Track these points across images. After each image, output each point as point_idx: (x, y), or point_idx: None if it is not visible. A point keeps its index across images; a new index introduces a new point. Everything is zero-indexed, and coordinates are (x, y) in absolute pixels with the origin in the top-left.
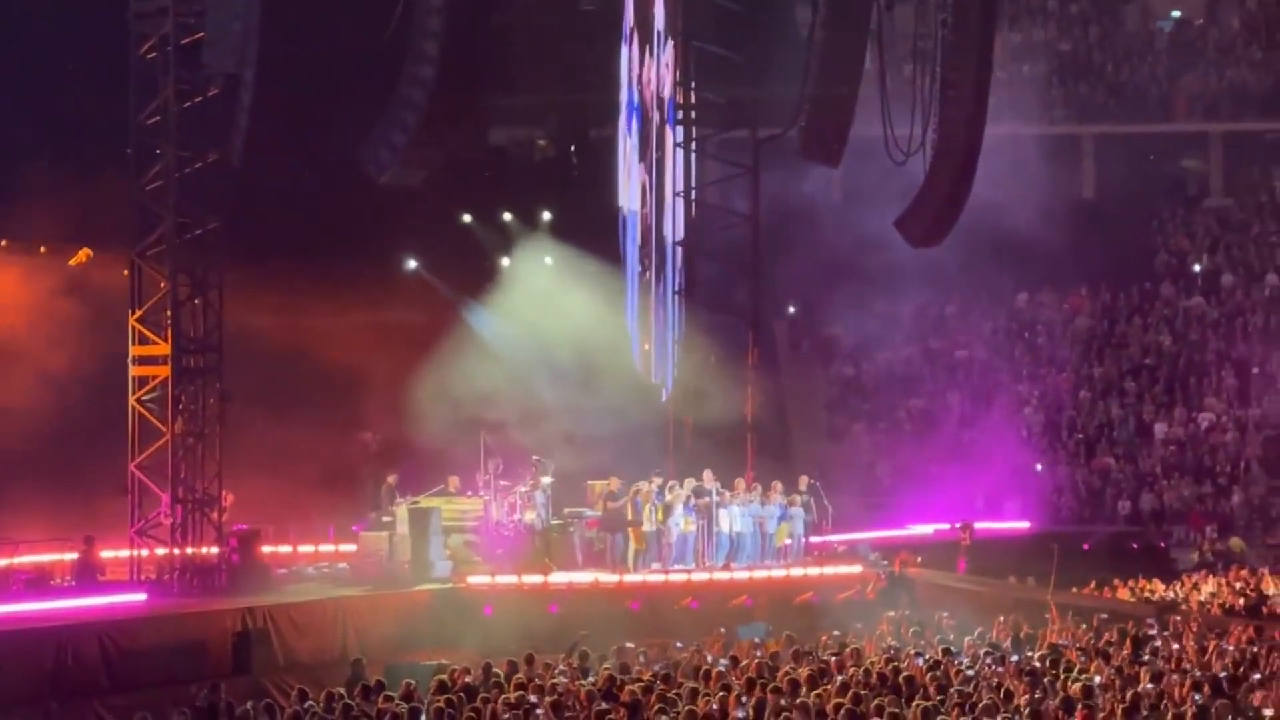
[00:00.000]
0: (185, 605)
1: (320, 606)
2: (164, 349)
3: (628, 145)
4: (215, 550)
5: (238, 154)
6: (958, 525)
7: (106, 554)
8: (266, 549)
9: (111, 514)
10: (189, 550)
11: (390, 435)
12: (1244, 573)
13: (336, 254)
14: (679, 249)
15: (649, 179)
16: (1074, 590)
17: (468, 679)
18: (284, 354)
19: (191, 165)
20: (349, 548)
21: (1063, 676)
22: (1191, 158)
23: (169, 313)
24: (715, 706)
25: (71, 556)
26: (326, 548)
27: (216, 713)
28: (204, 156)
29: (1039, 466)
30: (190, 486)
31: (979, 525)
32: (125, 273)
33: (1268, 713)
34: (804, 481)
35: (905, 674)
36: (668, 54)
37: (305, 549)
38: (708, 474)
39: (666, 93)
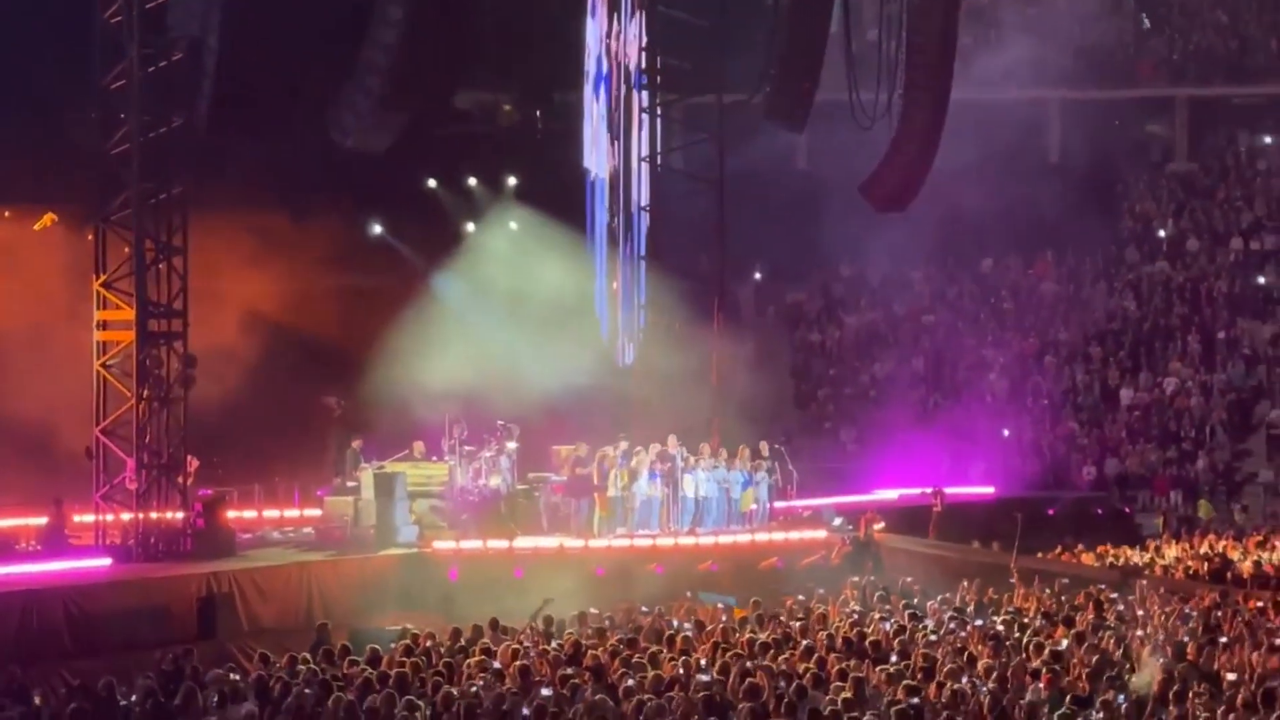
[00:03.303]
0: (150, 570)
1: (285, 571)
2: (128, 314)
3: (595, 110)
4: (180, 515)
5: (202, 119)
6: (930, 491)
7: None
8: (231, 514)
9: (77, 479)
10: (154, 515)
11: (355, 400)
12: (1209, 538)
13: (301, 219)
14: (644, 214)
15: (617, 144)
16: (1039, 555)
17: (430, 643)
18: (249, 319)
19: (156, 130)
20: (314, 513)
21: (1028, 640)
22: (1157, 122)
23: (134, 277)
24: (680, 671)
25: (39, 522)
26: (291, 513)
27: (181, 677)
28: (168, 121)
29: (1006, 432)
30: (155, 451)
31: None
32: (90, 237)
33: (1230, 676)
34: (765, 447)
35: (870, 639)
36: (634, 19)
37: (270, 514)
38: (672, 439)
39: (632, 58)
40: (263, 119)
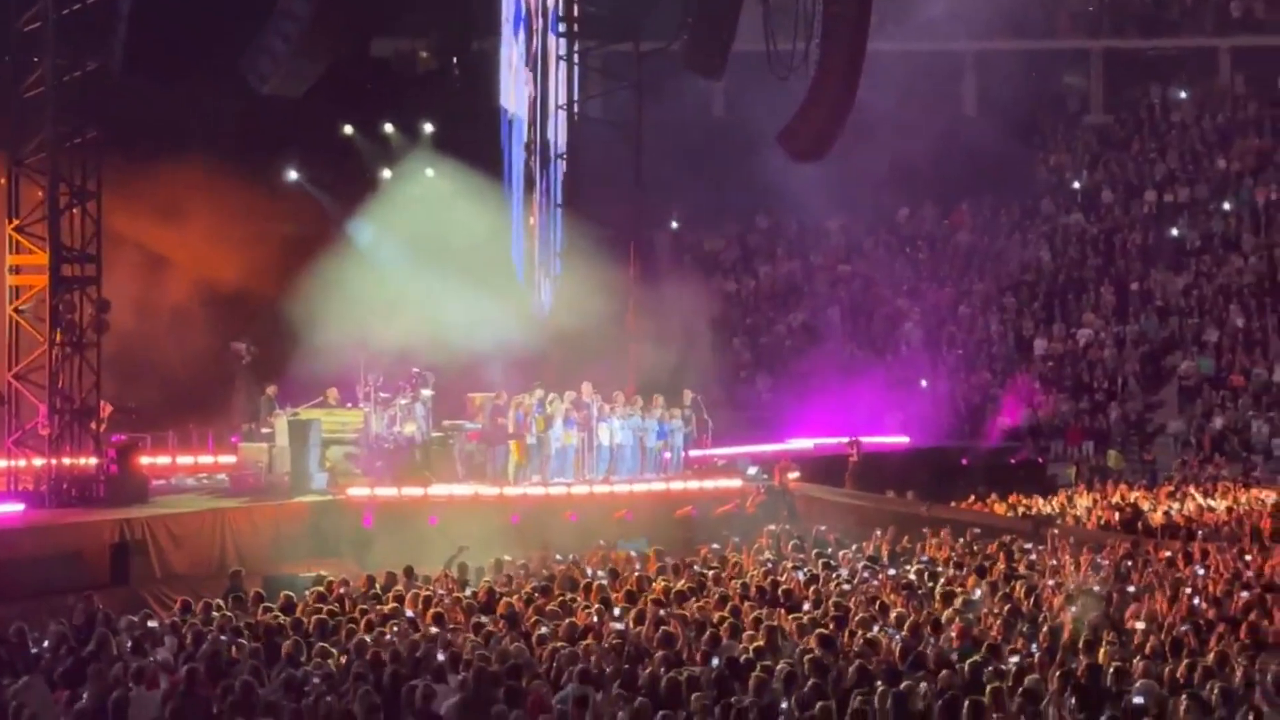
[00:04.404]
0: (62, 516)
1: (199, 518)
2: (42, 258)
3: (514, 52)
4: (93, 461)
5: (117, 62)
6: (847, 441)
7: None
8: (145, 460)
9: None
10: (67, 461)
11: (270, 346)
12: (1121, 488)
13: (217, 164)
14: (561, 162)
15: (534, 89)
16: (952, 504)
17: (344, 590)
18: (163, 264)
19: (71, 73)
20: (228, 459)
21: (940, 589)
22: (1072, 74)
23: (47, 222)
24: (594, 619)
25: None
26: (205, 459)
27: (94, 623)
28: (83, 65)
29: (924, 382)
30: (68, 397)
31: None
32: (2, 181)
33: (1139, 625)
34: (687, 396)
35: (784, 587)
36: None
37: (184, 460)
38: (586, 387)
39: (550, 3)
40: (178, 63)
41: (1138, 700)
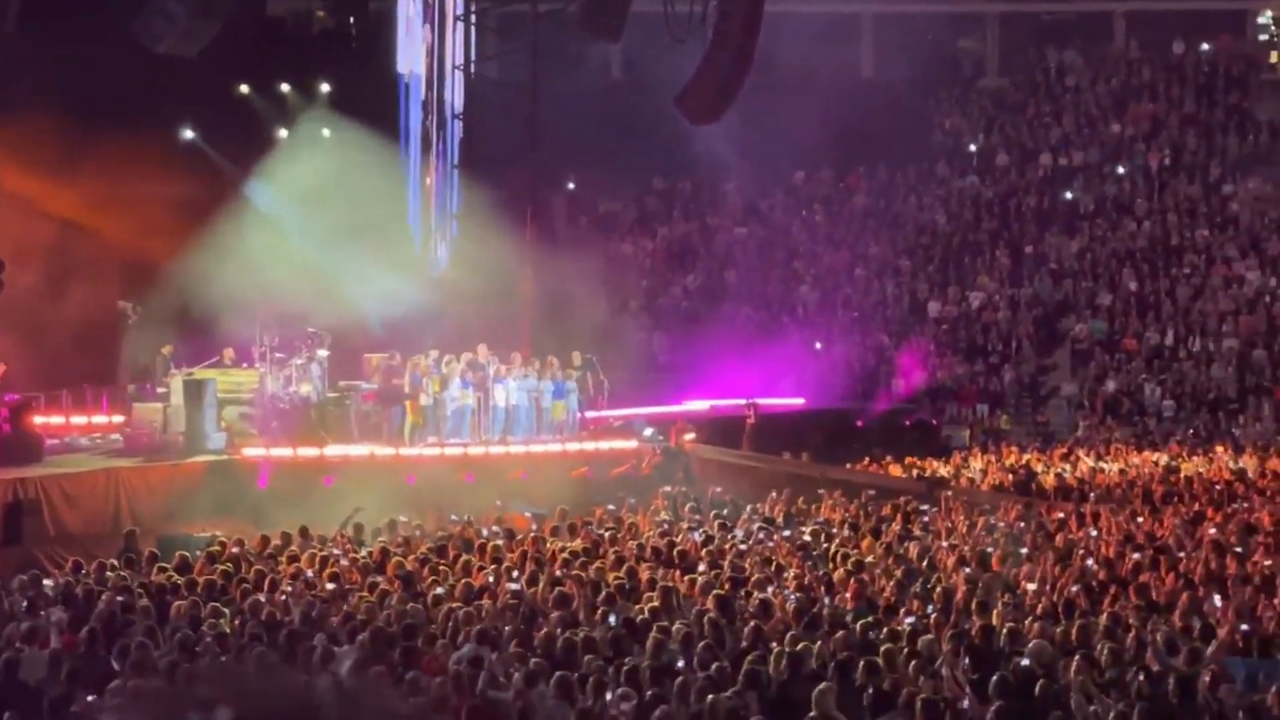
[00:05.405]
0: None
1: (92, 477)
2: None
3: (411, 10)
4: None
5: (12, 21)
6: (745, 403)
7: None
8: (39, 419)
9: None
10: None
11: (165, 306)
12: (1013, 450)
13: (112, 124)
14: (457, 123)
15: (431, 47)
16: (846, 466)
17: (238, 550)
18: (57, 223)
19: None
20: (123, 419)
21: (835, 551)
22: (968, 38)
23: None
24: (490, 579)
25: None
26: (100, 419)
27: None
28: None
29: (818, 344)
30: None
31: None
32: None
33: (1030, 586)
34: (578, 357)
35: (679, 548)
36: None
37: (78, 420)
38: (482, 348)
39: None
40: (73, 22)
41: (1026, 662)
